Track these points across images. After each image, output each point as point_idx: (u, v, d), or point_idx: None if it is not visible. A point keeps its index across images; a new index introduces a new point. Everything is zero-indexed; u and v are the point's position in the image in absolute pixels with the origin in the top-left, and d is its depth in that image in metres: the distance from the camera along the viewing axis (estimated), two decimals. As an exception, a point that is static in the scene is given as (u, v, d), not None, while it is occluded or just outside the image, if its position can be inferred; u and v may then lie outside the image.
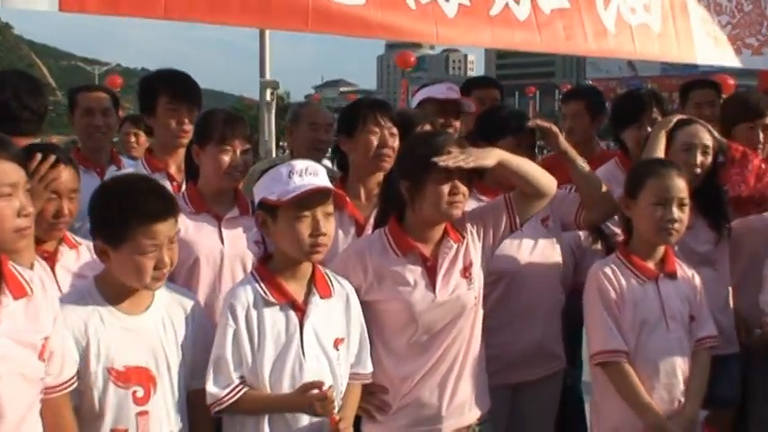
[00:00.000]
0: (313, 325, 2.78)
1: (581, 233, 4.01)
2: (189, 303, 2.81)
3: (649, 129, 4.04)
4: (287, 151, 5.39)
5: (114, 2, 3.60)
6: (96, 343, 2.55)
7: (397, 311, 3.02)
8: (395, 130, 3.49)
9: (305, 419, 2.74)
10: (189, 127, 3.75)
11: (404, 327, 3.03)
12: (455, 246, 3.09)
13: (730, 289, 3.80)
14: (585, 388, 4.32)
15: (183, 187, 3.59)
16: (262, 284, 2.78)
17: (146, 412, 2.60)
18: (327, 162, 4.56)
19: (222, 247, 3.31)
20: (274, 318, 2.76)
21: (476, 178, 3.10)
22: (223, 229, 3.34)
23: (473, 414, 3.15)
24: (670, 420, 3.17)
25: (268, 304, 2.76)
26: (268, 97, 5.40)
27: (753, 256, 3.67)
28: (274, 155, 5.57)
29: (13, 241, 2.32)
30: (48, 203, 2.89)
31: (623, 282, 3.25)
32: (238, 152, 3.32)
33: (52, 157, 2.88)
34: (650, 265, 3.30)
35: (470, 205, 3.22)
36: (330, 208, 2.78)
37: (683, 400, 3.24)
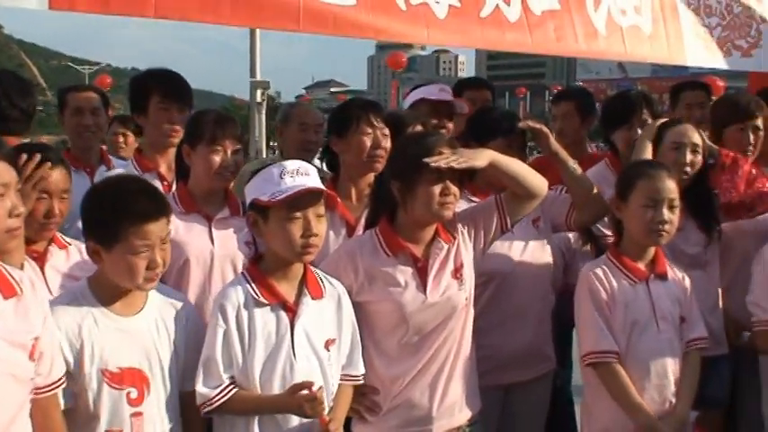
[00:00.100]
0: (304, 326, 2.77)
1: (570, 235, 4.03)
2: (182, 305, 2.81)
3: (639, 130, 4.05)
4: (276, 152, 5.39)
5: (104, 0, 3.59)
6: (90, 345, 2.55)
7: (388, 312, 3.02)
8: (387, 131, 3.49)
9: (295, 420, 2.74)
10: (180, 126, 3.74)
11: (395, 327, 3.03)
12: (446, 246, 3.09)
13: (720, 291, 3.81)
14: (575, 390, 4.34)
15: (174, 187, 3.58)
16: (253, 285, 2.77)
17: (140, 413, 2.59)
18: (317, 162, 4.55)
19: (212, 248, 3.30)
20: (265, 318, 2.75)
21: (467, 179, 3.10)
22: (213, 230, 3.33)
23: (464, 415, 3.15)
24: (661, 421, 3.18)
25: (259, 305, 2.75)
26: (258, 97, 5.40)
27: (743, 257, 3.68)
28: (265, 155, 5.57)
29: (3, 242, 2.31)
30: (39, 203, 2.87)
31: (614, 283, 3.26)
32: (229, 152, 3.31)
33: (38, 157, 2.86)
34: (641, 266, 3.31)
35: (461, 206, 3.22)
36: (321, 209, 2.78)
37: (673, 400, 3.25)
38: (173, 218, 2.75)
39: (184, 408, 2.74)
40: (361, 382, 2.97)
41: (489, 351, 3.37)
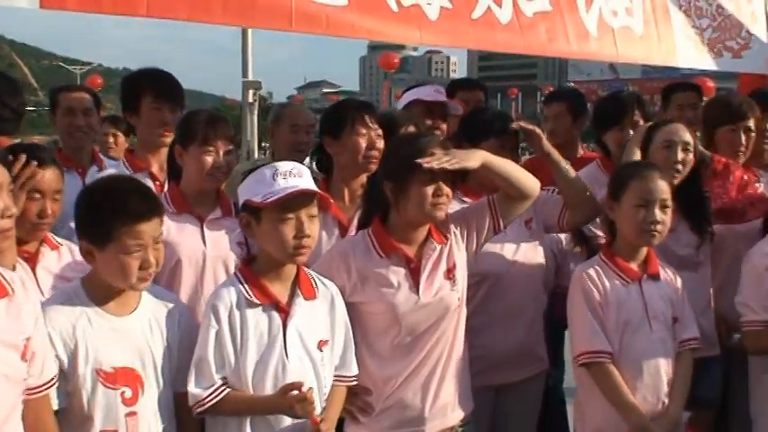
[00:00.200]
0: (296, 326, 2.77)
1: (562, 236, 4.03)
2: (175, 306, 2.81)
3: (631, 131, 4.06)
4: (268, 152, 5.38)
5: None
6: (84, 345, 2.54)
7: (381, 313, 3.02)
8: (380, 132, 3.49)
9: (287, 421, 2.73)
10: (172, 126, 3.73)
11: (387, 328, 3.03)
12: (439, 247, 3.09)
13: (712, 292, 3.82)
14: (567, 390, 4.35)
15: (166, 188, 3.58)
16: (245, 286, 2.77)
17: (134, 413, 2.59)
18: (307, 161, 4.55)
19: (204, 249, 3.30)
20: (257, 318, 2.74)
21: (459, 180, 3.10)
22: (205, 231, 3.33)
23: (456, 415, 3.15)
24: (654, 421, 3.19)
25: (251, 305, 2.75)
26: (250, 98, 5.40)
27: (735, 257, 3.68)
28: (257, 156, 5.57)
29: (-5, 242, 2.30)
30: (31, 203, 2.87)
31: (607, 283, 3.27)
32: (221, 153, 3.31)
33: (23, 157, 2.85)
34: (633, 266, 3.31)
35: (454, 207, 3.22)
36: (314, 210, 2.78)
37: (666, 401, 3.25)
38: (164, 218, 2.74)
39: (178, 408, 2.74)
40: (355, 383, 2.96)
41: (482, 351, 3.37)
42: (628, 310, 3.24)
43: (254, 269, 2.83)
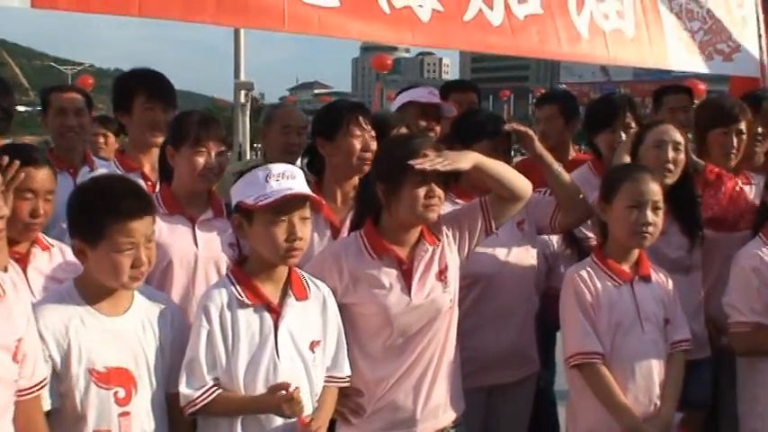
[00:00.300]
0: (288, 327, 2.77)
1: (553, 238, 4.03)
2: (168, 306, 2.81)
3: (623, 134, 4.07)
4: (259, 153, 5.37)
5: None
6: (77, 345, 2.54)
7: (373, 314, 3.02)
8: (374, 134, 3.49)
9: (278, 421, 2.73)
10: (164, 126, 3.72)
11: (379, 330, 3.03)
12: (431, 249, 3.09)
13: (702, 294, 3.83)
14: (558, 392, 4.35)
15: (158, 188, 3.57)
16: (237, 287, 2.77)
17: (127, 413, 2.59)
18: (299, 162, 4.54)
19: (196, 250, 3.29)
20: (248, 319, 2.74)
21: (452, 181, 3.10)
22: (197, 232, 3.32)
23: (448, 417, 3.15)
24: (646, 422, 3.19)
25: (242, 306, 2.75)
26: (242, 99, 5.37)
27: (726, 261, 3.69)
28: (248, 157, 5.55)
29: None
30: (24, 203, 2.86)
31: (599, 285, 3.27)
32: (213, 154, 3.31)
33: (6, 158, 2.84)
34: (625, 268, 3.32)
35: (446, 208, 3.22)
36: (307, 212, 2.78)
37: (658, 402, 3.26)
38: (156, 219, 2.74)
39: (170, 408, 2.74)
40: (347, 384, 2.96)
41: (473, 353, 3.37)
42: (619, 312, 3.25)
43: (245, 270, 2.82)
